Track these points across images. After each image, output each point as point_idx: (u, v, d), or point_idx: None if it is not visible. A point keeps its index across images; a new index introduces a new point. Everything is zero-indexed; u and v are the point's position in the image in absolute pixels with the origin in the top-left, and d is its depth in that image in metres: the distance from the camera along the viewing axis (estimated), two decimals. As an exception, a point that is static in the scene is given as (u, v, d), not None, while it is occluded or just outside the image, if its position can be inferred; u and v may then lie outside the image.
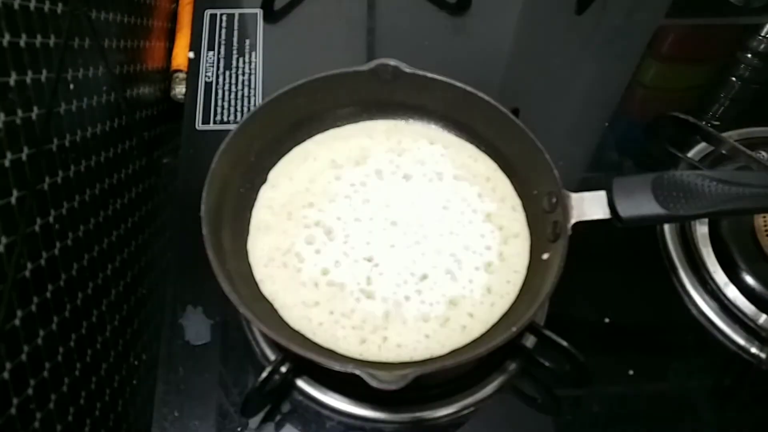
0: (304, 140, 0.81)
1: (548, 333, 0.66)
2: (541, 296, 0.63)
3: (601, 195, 0.66)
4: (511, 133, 0.74)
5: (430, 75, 0.77)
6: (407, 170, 0.78)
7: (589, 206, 0.66)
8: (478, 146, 0.80)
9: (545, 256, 0.69)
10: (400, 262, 0.71)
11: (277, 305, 0.69)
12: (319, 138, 0.81)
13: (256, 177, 0.77)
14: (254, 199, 0.76)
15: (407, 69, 0.77)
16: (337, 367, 0.58)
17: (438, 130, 0.82)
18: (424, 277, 0.70)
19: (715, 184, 0.63)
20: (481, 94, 0.76)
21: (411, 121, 0.83)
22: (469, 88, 0.76)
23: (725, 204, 0.63)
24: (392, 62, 0.77)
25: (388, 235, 0.72)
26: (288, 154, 0.80)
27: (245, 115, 0.74)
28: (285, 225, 0.74)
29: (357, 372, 0.56)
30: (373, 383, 0.55)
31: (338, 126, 0.82)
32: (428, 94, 0.80)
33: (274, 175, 0.78)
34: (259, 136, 0.76)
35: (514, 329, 0.60)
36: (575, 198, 0.67)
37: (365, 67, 0.78)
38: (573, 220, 0.65)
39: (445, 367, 0.61)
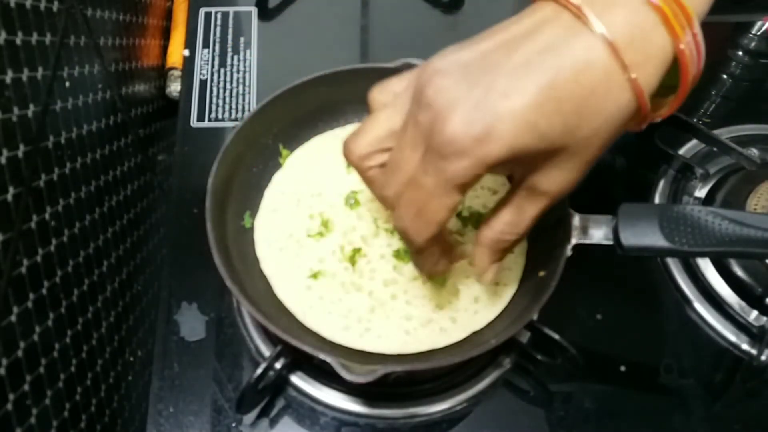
0: (324, 131, 0.82)
1: (540, 326, 0.66)
2: (529, 314, 0.63)
3: (606, 219, 0.66)
4: None
5: None
6: None
7: (593, 229, 0.66)
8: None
9: (542, 273, 0.68)
10: (392, 262, 0.71)
11: (273, 283, 0.71)
12: (338, 132, 0.82)
13: (271, 159, 0.79)
14: (267, 180, 0.78)
15: None
16: (307, 349, 0.59)
17: None
18: (414, 278, 0.70)
19: (726, 224, 0.62)
20: None
21: None
22: None
23: (733, 246, 0.62)
24: (417, 62, 0.77)
25: (387, 236, 0.73)
26: (306, 143, 0.81)
27: (267, 98, 0.76)
28: (292, 210, 0.75)
29: (328, 360, 0.57)
30: (343, 373, 0.56)
31: (358, 121, 0.83)
32: None
33: (290, 160, 0.79)
34: (279, 120, 0.78)
35: (493, 341, 0.62)
36: (580, 219, 0.66)
37: (391, 65, 0.78)
38: (573, 241, 0.65)
39: (415, 369, 0.62)
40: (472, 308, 0.70)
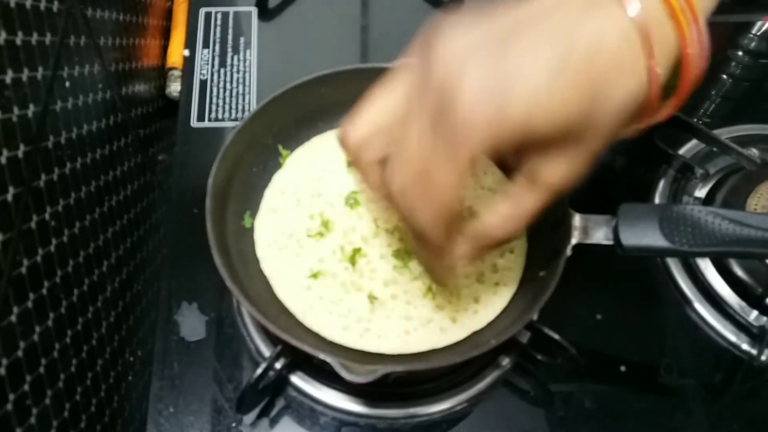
0: (324, 130, 0.82)
1: (540, 326, 0.66)
2: (528, 314, 0.63)
3: (606, 219, 0.66)
4: None
5: None
6: None
7: (593, 229, 0.66)
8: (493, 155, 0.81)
9: (542, 273, 0.69)
10: (392, 262, 0.71)
11: (273, 283, 0.71)
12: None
13: (271, 159, 0.79)
14: (267, 180, 0.78)
15: None
16: (307, 349, 0.59)
17: None
18: (414, 278, 0.71)
19: (726, 224, 0.62)
20: None
21: None
22: None
23: (733, 246, 0.62)
24: None
25: (387, 236, 0.73)
26: (307, 143, 0.81)
27: (267, 97, 0.76)
28: (292, 210, 0.75)
29: (328, 360, 0.57)
30: (343, 373, 0.56)
31: None
32: None
33: (290, 160, 0.80)
34: (279, 120, 0.78)
35: (493, 342, 0.62)
36: (580, 219, 0.66)
37: (392, 65, 0.78)
38: (574, 241, 0.65)
39: (415, 369, 0.62)
40: (472, 308, 0.70)
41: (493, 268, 0.72)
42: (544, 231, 0.71)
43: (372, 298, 0.69)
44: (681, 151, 0.91)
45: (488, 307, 0.70)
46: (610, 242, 0.65)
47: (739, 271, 0.78)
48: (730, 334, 0.76)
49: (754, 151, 0.86)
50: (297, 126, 0.80)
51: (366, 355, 0.66)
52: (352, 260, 0.71)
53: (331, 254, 0.72)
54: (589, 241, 0.65)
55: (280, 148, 0.79)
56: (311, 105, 0.79)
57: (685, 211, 0.63)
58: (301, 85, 0.77)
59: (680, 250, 0.62)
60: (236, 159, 0.73)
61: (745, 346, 0.75)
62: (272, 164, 0.79)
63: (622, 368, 0.74)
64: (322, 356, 0.58)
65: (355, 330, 0.68)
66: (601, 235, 0.65)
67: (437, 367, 0.67)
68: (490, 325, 0.69)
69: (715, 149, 0.89)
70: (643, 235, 0.63)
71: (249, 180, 0.76)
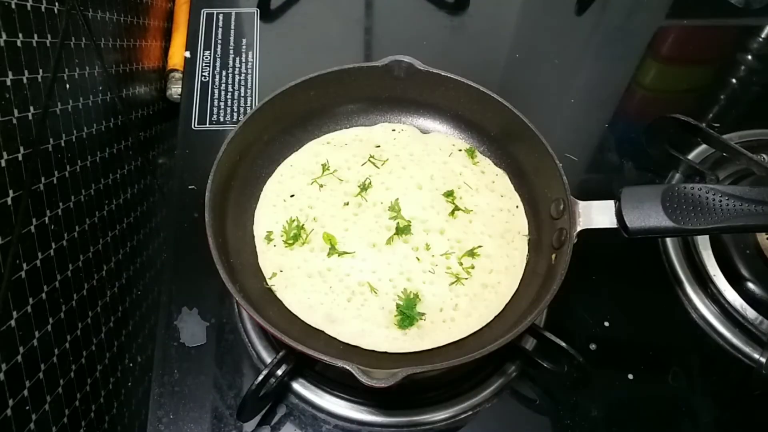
0: (316, 136, 0.82)
1: (546, 333, 0.66)
2: (543, 300, 0.62)
3: (609, 204, 0.66)
4: (522, 136, 0.74)
5: (444, 73, 0.78)
6: (415, 177, 0.78)
7: (597, 214, 0.66)
8: (488, 149, 0.80)
9: (553, 258, 0.69)
10: (392, 263, 0.72)
11: (276, 287, 0.70)
12: (330, 137, 0.82)
13: (264, 168, 0.78)
14: (261, 189, 0.77)
15: (421, 67, 0.77)
16: (315, 354, 0.58)
17: (453, 137, 0.83)
18: (414, 279, 0.70)
19: (726, 200, 0.63)
20: (495, 96, 0.76)
21: (421, 119, 0.83)
22: (483, 89, 0.76)
23: (736, 220, 0.62)
24: (406, 59, 0.77)
25: (386, 236, 0.73)
26: (300, 150, 0.81)
27: (256, 106, 0.75)
28: (291, 214, 0.75)
29: (347, 367, 0.56)
30: (363, 379, 0.55)
31: (350, 126, 0.83)
32: (442, 93, 0.80)
33: (283, 168, 0.79)
34: (270, 127, 0.78)
35: (509, 335, 0.61)
36: (583, 206, 0.66)
37: (379, 63, 0.78)
38: (579, 228, 0.65)
39: (435, 369, 0.61)
40: (473, 309, 0.69)
41: (493, 270, 0.72)
42: (548, 221, 0.71)
43: (379, 296, 0.69)
44: (690, 156, 0.90)
45: (488, 307, 0.70)
46: (615, 226, 0.65)
47: (749, 281, 0.77)
48: (740, 342, 0.76)
49: (763, 156, 0.86)
50: (289, 132, 0.79)
51: (380, 357, 0.66)
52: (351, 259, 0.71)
53: (335, 258, 0.71)
54: (593, 227, 0.66)
55: (274, 155, 0.78)
56: (301, 109, 0.79)
57: (686, 189, 0.64)
58: (290, 89, 0.76)
59: (685, 228, 0.63)
60: (230, 169, 0.72)
61: (754, 355, 0.75)
62: (265, 173, 0.78)
63: (630, 376, 0.73)
64: (340, 365, 0.57)
65: (358, 330, 0.67)
66: (605, 220, 0.66)
67: (457, 365, 0.66)
68: (493, 324, 0.69)
69: (725, 154, 0.88)
70: (647, 216, 0.64)
71: (245, 188, 0.75)
